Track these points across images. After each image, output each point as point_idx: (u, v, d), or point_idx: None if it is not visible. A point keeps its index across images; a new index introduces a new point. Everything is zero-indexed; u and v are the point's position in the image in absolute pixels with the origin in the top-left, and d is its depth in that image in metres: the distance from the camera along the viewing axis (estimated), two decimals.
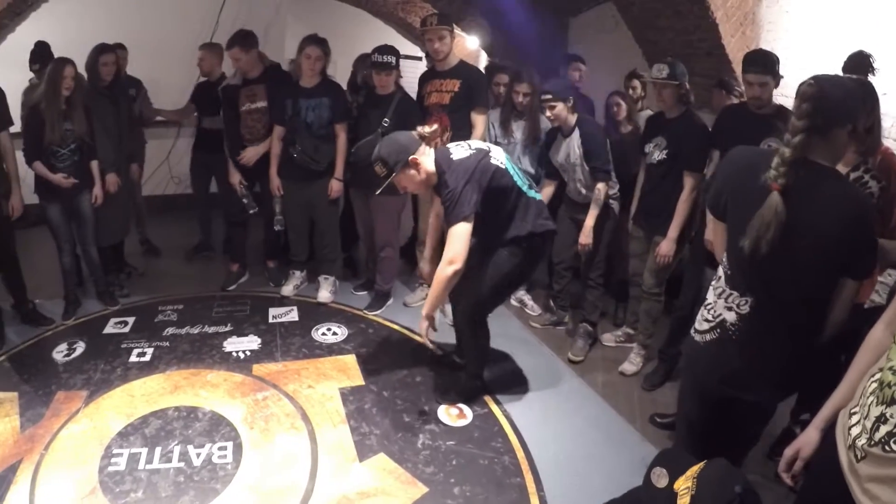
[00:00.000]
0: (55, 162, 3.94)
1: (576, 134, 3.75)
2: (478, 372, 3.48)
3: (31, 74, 4.61)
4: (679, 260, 3.56)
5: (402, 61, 4.27)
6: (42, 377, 3.58)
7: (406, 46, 8.25)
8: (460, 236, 2.84)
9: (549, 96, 3.67)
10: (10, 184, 3.89)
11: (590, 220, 3.74)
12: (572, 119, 3.75)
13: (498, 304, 3.37)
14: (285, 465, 2.92)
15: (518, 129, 4.21)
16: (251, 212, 4.58)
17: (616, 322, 4.38)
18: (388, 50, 4.08)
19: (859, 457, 1.46)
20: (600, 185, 3.70)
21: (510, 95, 4.17)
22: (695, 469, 1.77)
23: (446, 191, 2.91)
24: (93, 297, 4.50)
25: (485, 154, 3.05)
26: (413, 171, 2.98)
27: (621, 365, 3.81)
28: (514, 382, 3.67)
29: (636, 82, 4.61)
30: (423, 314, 3.03)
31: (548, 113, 3.75)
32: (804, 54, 3.71)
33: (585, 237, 3.74)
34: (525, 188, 3.11)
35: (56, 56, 3.94)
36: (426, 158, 3.01)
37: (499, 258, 3.09)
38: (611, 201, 3.87)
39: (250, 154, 4.43)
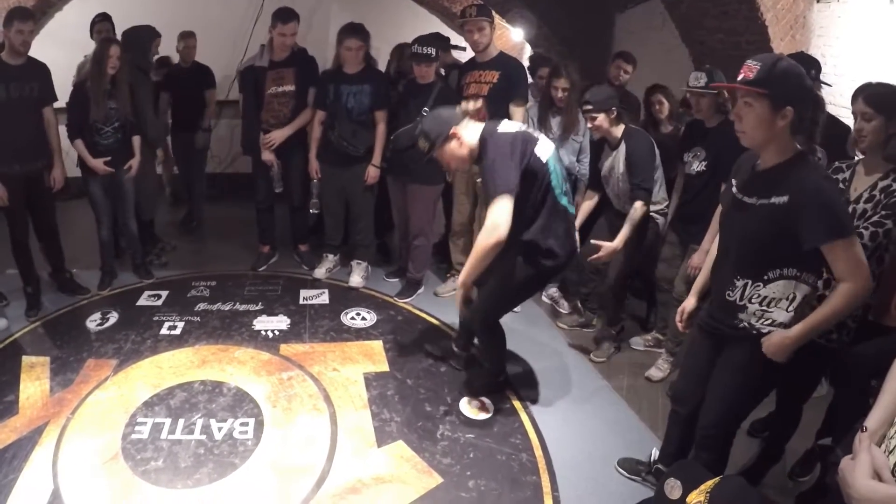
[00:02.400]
0: (99, 139, 4.04)
1: (622, 148, 3.54)
2: (499, 370, 3.46)
3: (78, 52, 4.70)
4: None
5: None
6: (74, 344, 3.69)
7: (450, 35, 8.21)
8: (502, 208, 2.69)
9: (590, 107, 3.47)
10: (54, 156, 3.98)
11: (618, 241, 3.39)
12: (617, 131, 3.54)
13: (510, 309, 3.30)
14: (304, 445, 2.95)
15: (555, 125, 4.15)
16: (277, 191, 4.59)
17: (647, 326, 4.31)
18: (429, 41, 4.07)
19: None
20: (637, 204, 3.44)
21: (549, 90, 4.12)
22: (709, 484, 1.74)
23: (486, 160, 2.82)
24: (129, 269, 4.61)
25: (531, 136, 2.96)
26: (454, 144, 2.89)
27: (648, 370, 3.75)
28: (538, 380, 3.64)
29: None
30: (458, 283, 2.95)
31: (588, 125, 3.57)
32: (856, 62, 3.59)
33: (604, 252, 3.38)
34: (559, 192, 2.97)
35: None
36: (467, 132, 2.91)
37: (511, 265, 2.98)
38: (657, 216, 3.69)
39: (276, 136, 4.41)
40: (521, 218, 2.85)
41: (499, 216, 2.68)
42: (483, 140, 2.89)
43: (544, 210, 2.92)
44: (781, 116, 1.88)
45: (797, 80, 1.90)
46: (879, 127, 2.31)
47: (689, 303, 2.51)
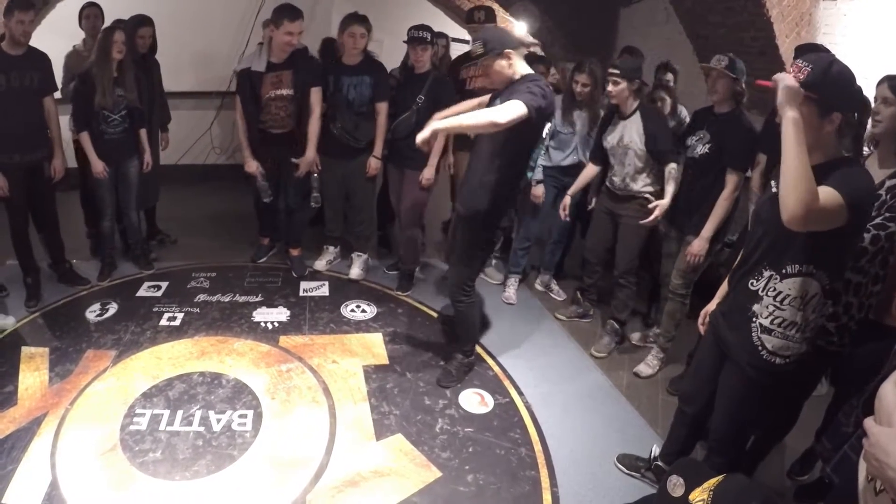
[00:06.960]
0: (106, 127, 4.02)
1: (636, 118, 3.55)
2: (471, 345, 3.55)
3: (77, 42, 4.67)
4: (710, 263, 3.46)
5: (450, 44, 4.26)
6: (74, 335, 3.68)
7: (453, 28, 8.18)
8: (515, 109, 2.74)
9: (617, 72, 3.49)
10: (54, 147, 3.96)
11: (667, 198, 3.44)
12: (633, 103, 3.57)
13: (481, 261, 3.46)
14: (303, 438, 2.94)
15: (579, 120, 4.15)
16: (266, 200, 4.44)
17: (648, 322, 4.29)
18: (424, 26, 4.09)
19: (878, 489, 1.41)
20: (672, 165, 3.47)
21: (571, 85, 4.11)
22: (712, 482, 1.73)
23: (519, 91, 2.89)
24: (129, 260, 4.60)
25: (553, 109, 3.18)
26: (504, 62, 3.00)
27: (637, 366, 3.75)
28: (538, 374, 3.64)
29: (669, 75, 4.49)
30: (437, 125, 2.77)
31: (609, 87, 3.55)
32: (861, 60, 3.56)
33: (659, 211, 3.44)
34: (532, 163, 3.34)
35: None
36: (519, 60, 3.05)
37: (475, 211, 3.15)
38: (651, 197, 3.66)
39: (309, 156, 4.23)
40: (497, 164, 3.06)
41: (508, 113, 2.72)
42: (526, 77, 3.01)
43: (515, 168, 3.13)
44: (829, 122, 1.81)
45: (849, 86, 1.84)
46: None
47: (712, 306, 2.47)
